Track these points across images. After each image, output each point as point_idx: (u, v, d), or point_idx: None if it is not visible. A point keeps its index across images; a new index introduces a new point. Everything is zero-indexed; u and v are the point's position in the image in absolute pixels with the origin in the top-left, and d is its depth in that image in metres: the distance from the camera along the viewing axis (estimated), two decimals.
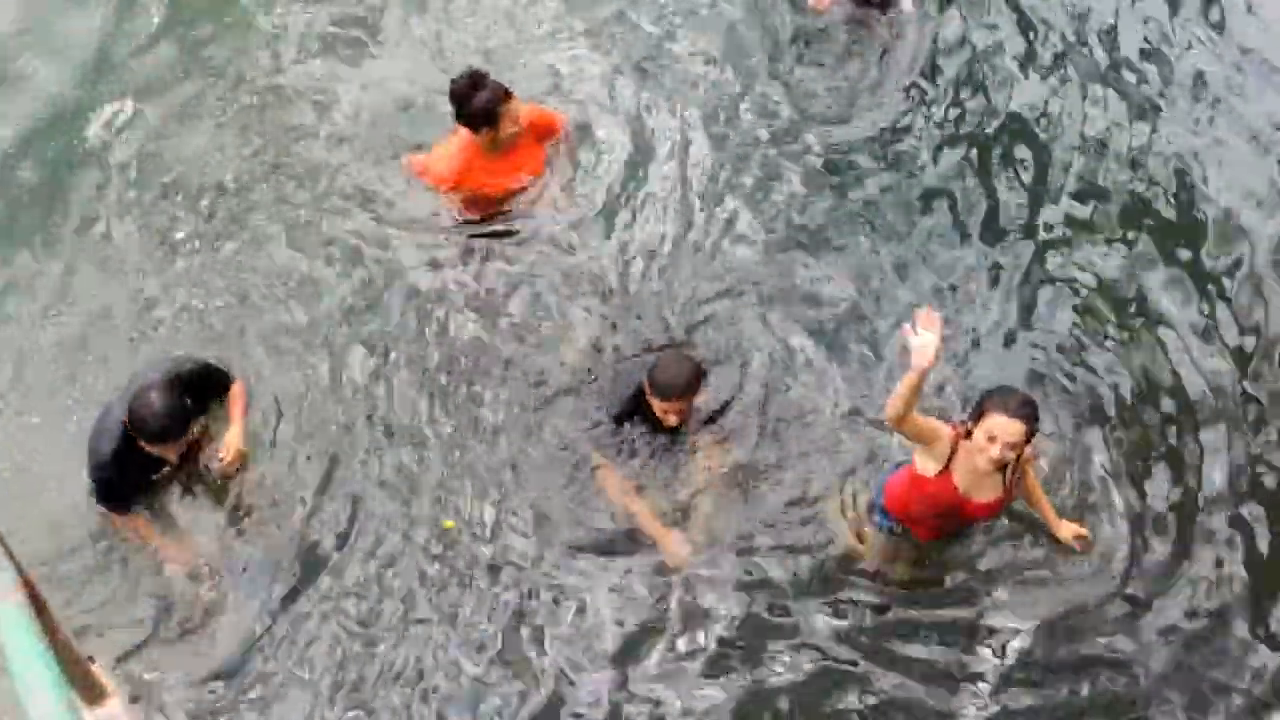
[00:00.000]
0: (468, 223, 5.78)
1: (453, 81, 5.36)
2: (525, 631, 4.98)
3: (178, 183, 6.07)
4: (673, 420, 5.09)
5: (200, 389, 5.03)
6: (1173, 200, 6.10)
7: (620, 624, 5.00)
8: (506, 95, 5.33)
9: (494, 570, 5.11)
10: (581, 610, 5.03)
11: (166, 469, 5.05)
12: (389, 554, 5.14)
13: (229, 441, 5.11)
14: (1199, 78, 6.46)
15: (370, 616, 5.01)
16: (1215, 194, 6.07)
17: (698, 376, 5.10)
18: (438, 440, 5.38)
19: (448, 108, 5.45)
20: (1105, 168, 6.18)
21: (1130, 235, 5.97)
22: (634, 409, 5.18)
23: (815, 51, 6.46)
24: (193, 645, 4.94)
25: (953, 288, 5.80)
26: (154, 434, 4.72)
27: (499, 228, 5.78)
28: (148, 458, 4.88)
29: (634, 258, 5.82)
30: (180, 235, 5.92)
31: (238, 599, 5.03)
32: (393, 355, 5.60)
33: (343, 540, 5.16)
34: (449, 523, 5.20)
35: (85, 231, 5.96)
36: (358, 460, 5.32)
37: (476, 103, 5.27)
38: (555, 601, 5.04)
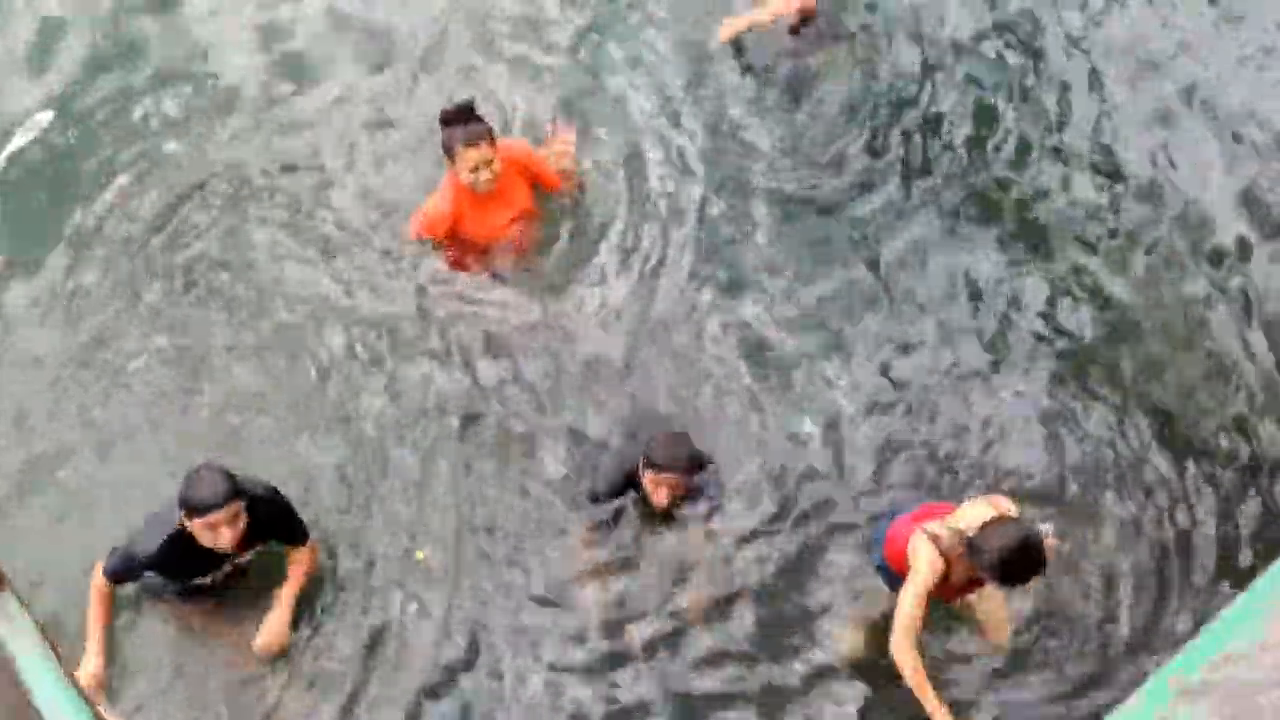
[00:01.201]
0: (463, 275, 5.83)
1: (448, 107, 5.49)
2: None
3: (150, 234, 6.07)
4: (664, 496, 5.04)
5: (260, 513, 4.76)
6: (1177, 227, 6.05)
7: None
8: (472, 141, 5.37)
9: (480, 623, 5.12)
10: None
11: (208, 578, 4.90)
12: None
13: (270, 628, 4.89)
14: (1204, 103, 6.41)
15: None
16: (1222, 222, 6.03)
17: (699, 454, 5.09)
18: (433, 499, 5.37)
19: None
20: (1100, 191, 6.14)
21: (1126, 267, 5.96)
22: (622, 490, 5.18)
23: (788, 88, 6.39)
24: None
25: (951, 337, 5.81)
26: (199, 502, 4.53)
27: (490, 282, 5.81)
28: (188, 560, 4.77)
29: (623, 320, 5.81)
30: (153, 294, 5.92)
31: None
32: (385, 402, 5.61)
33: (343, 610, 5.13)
34: (421, 553, 5.21)
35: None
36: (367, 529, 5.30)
37: (447, 135, 5.43)
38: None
